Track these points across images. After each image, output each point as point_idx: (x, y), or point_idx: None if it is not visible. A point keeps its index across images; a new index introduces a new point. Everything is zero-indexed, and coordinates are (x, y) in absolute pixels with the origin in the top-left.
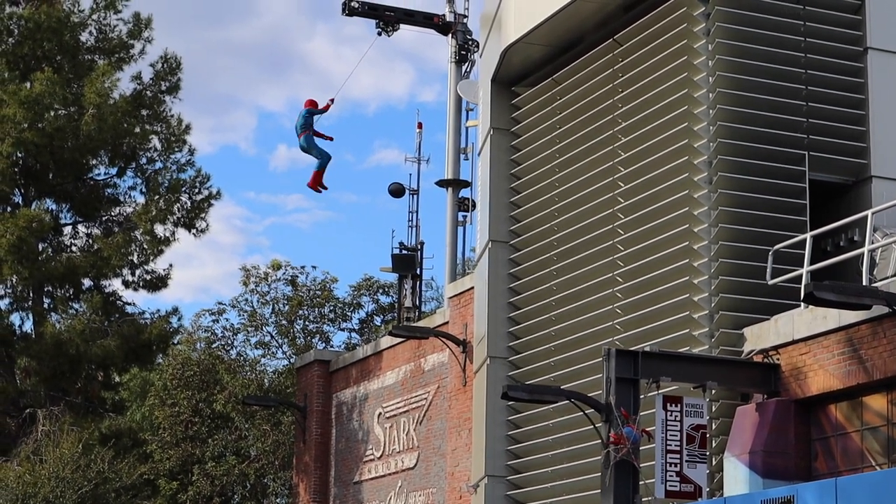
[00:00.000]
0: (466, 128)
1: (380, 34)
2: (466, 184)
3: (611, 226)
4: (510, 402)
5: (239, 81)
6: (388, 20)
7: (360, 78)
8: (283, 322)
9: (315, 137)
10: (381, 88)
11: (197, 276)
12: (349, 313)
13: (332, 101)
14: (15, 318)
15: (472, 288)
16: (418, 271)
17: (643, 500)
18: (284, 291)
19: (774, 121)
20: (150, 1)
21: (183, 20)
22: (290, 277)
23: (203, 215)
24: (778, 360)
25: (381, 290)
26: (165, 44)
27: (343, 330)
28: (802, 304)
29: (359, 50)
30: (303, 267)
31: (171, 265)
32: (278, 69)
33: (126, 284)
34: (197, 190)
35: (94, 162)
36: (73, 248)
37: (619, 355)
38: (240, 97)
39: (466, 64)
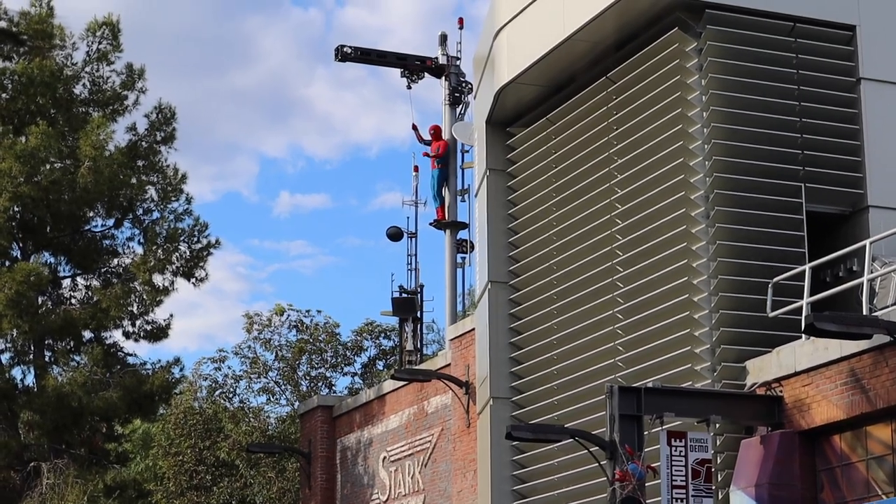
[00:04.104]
0: (463, 169)
1: (409, 87)
2: (464, 225)
3: (609, 263)
4: (514, 443)
5: (240, 128)
6: (409, 68)
7: (361, 121)
8: (287, 368)
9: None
10: (382, 131)
11: (202, 325)
12: (352, 357)
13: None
14: (16, 372)
15: (473, 329)
16: (419, 314)
17: None
18: (288, 337)
19: (770, 153)
20: (151, 50)
21: (183, 68)
22: (294, 322)
23: (202, 264)
24: (781, 392)
25: (382, 334)
26: (166, 92)
27: (346, 375)
28: (803, 335)
29: (359, 93)
30: (307, 311)
31: (171, 315)
32: (279, 115)
33: (126, 335)
34: (195, 239)
35: (90, 214)
36: (73, 301)
37: (622, 392)
38: (241, 144)
39: (461, 106)
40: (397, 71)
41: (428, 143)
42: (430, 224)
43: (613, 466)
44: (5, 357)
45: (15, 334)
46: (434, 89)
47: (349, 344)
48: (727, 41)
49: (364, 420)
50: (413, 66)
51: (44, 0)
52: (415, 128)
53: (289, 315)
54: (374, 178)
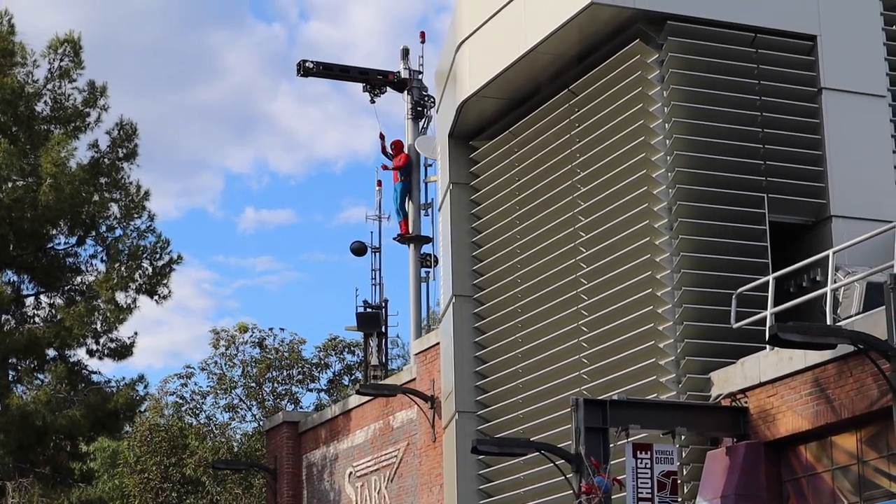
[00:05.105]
0: (426, 183)
1: (372, 101)
2: (428, 240)
3: (574, 276)
4: (480, 457)
5: (205, 144)
6: (371, 82)
7: (326, 136)
8: (252, 384)
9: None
10: (347, 146)
11: (167, 342)
12: (317, 374)
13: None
14: None
15: (438, 343)
16: (383, 329)
17: None
18: (252, 354)
19: (732, 164)
20: (114, 65)
21: (147, 84)
22: (257, 340)
23: (165, 281)
24: (746, 403)
25: (347, 350)
26: (129, 108)
27: (312, 391)
28: (768, 346)
29: (323, 108)
30: (270, 329)
31: (136, 333)
32: (244, 130)
33: (91, 353)
34: (158, 256)
35: (53, 232)
36: (37, 319)
37: (588, 405)
38: (206, 160)
39: (423, 119)
40: (361, 85)
41: (390, 157)
42: (394, 239)
43: (579, 479)
44: None
45: None
46: (397, 103)
47: (314, 360)
48: (688, 52)
49: (330, 436)
50: (375, 81)
51: (4, 17)
52: (382, 137)
53: (252, 333)
54: (339, 193)
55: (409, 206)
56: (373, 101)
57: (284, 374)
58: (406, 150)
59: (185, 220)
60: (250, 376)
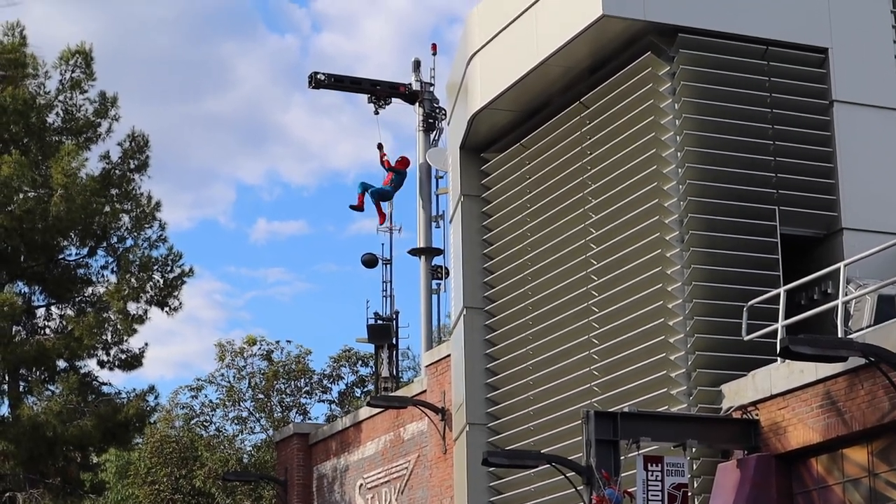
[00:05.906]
0: (437, 195)
1: (376, 113)
2: (439, 251)
3: (585, 288)
4: (491, 469)
5: (217, 155)
6: (377, 94)
7: (338, 147)
8: (261, 396)
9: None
10: (358, 157)
11: (178, 353)
12: (329, 385)
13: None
14: None
15: (449, 355)
16: (394, 341)
17: None
18: (260, 366)
19: (744, 177)
20: (125, 76)
21: (159, 94)
22: (265, 352)
23: (176, 293)
24: (757, 415)
25: (360, 362)
26: (141, 118)
27: (323, 402)
28: (779, 358)
29: (336, 119)
30: (277, 341)
31: (146, 344)
32: (256, 141)
33: (101, 364)
34: (169, 268)
35: (64, 243)
36: (47, 330)
37: (598, 417)
38: (218, 171)
39: (434, 132)
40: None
41: (389, 170)
42: (407, 244)
43: (590, 492)
44: None
45: None
46: (408, 115)
47: (325, 371)
48: (700, 65)
49: (340, 447)
50: (384, 93)
51: (16, 29)
52: (380, 147)
53: (260, 346)
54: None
55: (420, 217)
56: (377, 113)
57: (292, 385)
58: (419, 162)
59: (197, 231)
60: (258, 388)
